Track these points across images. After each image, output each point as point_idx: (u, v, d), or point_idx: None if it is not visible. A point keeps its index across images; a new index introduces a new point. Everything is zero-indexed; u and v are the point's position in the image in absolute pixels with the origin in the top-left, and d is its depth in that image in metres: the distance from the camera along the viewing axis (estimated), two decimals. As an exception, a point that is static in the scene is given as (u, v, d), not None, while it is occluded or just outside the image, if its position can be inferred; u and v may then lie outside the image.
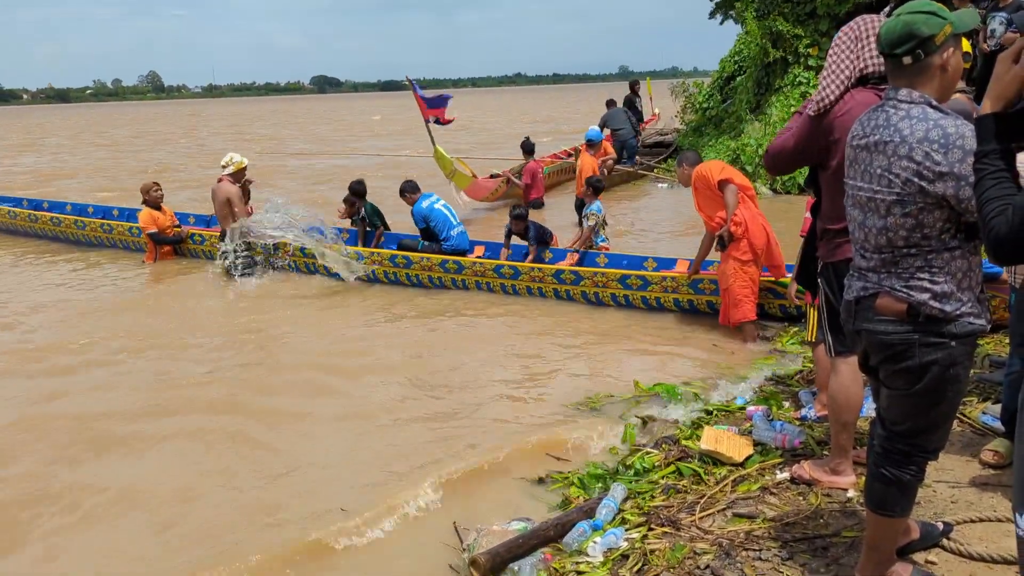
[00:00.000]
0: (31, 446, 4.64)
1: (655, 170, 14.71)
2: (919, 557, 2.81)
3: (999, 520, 2.99)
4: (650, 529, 3.25)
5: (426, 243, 8.16)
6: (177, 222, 9.67)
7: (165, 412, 5.08)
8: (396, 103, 69.06)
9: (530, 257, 7.88)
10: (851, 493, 3.34)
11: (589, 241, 7.91)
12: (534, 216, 8.43)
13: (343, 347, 6.26)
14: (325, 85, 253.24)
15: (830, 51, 3.20)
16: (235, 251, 8.33)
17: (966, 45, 3.79)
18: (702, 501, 3.45)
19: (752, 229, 5.79)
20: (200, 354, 6.24)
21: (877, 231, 2.33)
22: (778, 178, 11.91)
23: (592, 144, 11.01)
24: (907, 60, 2.29)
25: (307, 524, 3.68)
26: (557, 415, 4.82)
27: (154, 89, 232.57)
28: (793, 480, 3.53)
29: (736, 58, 16.77)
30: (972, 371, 3.01)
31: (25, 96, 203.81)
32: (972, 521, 3.01)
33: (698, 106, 16.97)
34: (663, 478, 3.75)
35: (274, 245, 8.46)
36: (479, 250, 8.51)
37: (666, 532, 3.22)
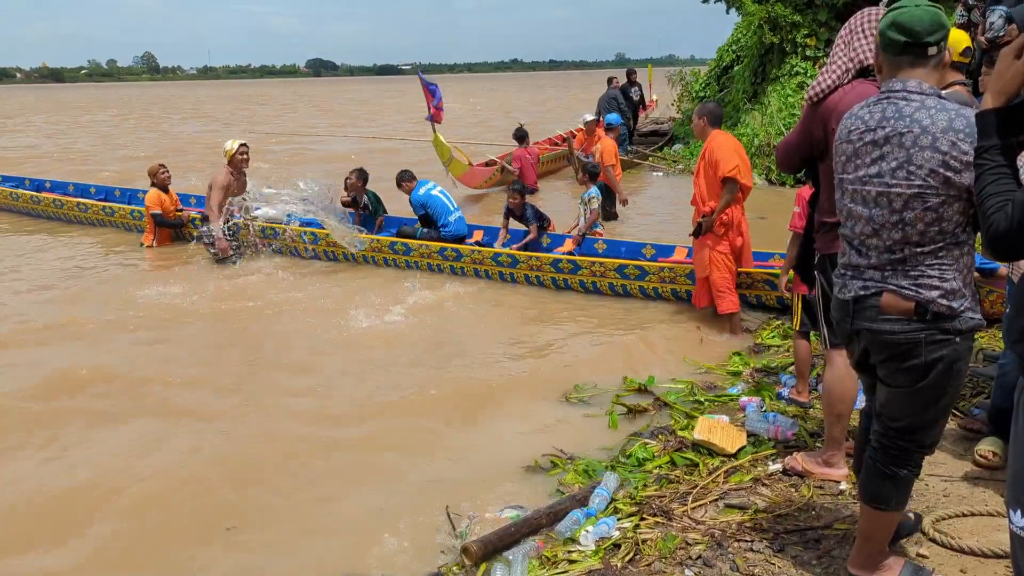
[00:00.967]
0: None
1: (649, 159, 14.69)
2: (911, 550, 2.83)
3: (991, 515, 3.01)
4: (642, 519, 3.26)
5: (425, 230, 8.17)
6: (180, 205, 9.66)
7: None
8: (394, 87, 68.60)
9: (530, 236, 7.90)
10: (844, 486, 3.36)
11: (591, 222, 7.88)
12: (529, 201, 8.42)
13: (334, 331, 6.24)
14: (321, 68, 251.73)
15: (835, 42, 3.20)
16: (211, 233, 8.29)
17: (965, 39, 3.77)
18: (694, 491, 3.46)
19: (732, 232, 5.79)
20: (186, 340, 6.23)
21: (891, 226, 2.27)
22: (773, 168, 11.89)
23: (611, 127, 10.94)
24: (933, 51, 2.26)
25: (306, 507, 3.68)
26: (550, 404, 4.81)
27: (149, 70, 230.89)
28: (786, 472, 3.55)
29: (734, 47, 16.72)
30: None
31: (19, 75, 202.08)
32: (964, 515, 3.02)
33: (695, 95, 16.93)
34: (656, 468, 3.76)
35: (273, 230, 8.46)
36: (478, 235, 8.54)
37: (658, 522, 3.23)
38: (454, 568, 3.12)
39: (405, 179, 8.42)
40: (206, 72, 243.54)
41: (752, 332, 5.91)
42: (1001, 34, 4.32)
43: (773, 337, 5.69)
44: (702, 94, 16.51)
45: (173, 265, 8.47)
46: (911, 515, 2.90)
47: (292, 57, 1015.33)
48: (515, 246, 7.82)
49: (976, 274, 3.21)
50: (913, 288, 2.26)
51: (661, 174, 13.96)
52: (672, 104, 19.08)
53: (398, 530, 3.43)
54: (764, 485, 3.47)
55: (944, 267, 2.25)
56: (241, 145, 8.60)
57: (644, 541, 3.08)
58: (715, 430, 3.92)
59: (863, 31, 3.07)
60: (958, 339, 2.28)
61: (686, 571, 2.85)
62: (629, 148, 14.85)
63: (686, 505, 3.34)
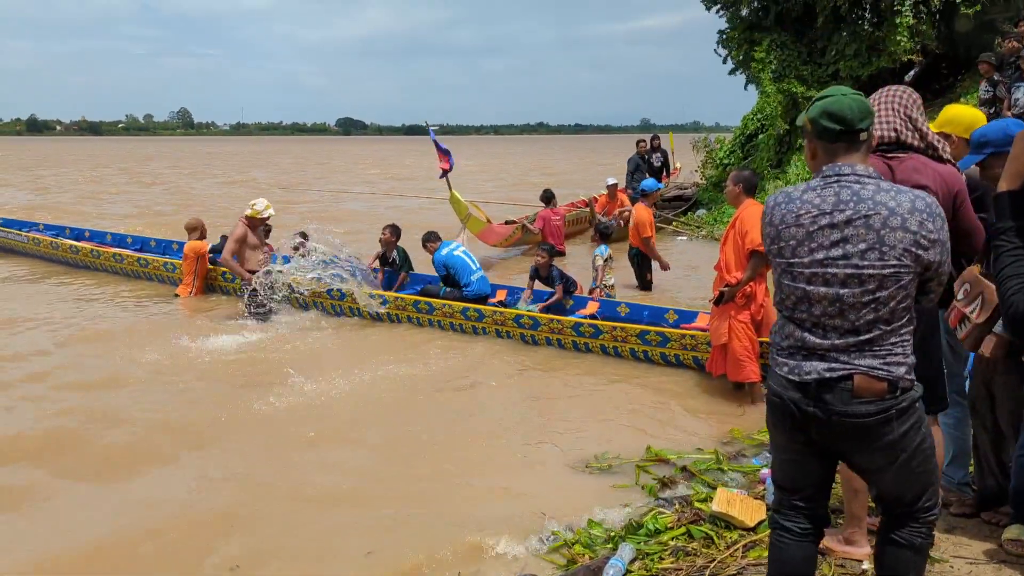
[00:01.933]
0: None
1: (673, 223, 14.76)
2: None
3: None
4: (659, 592, 3.20)
5: (447, 289, 8.28)
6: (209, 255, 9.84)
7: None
8: (421, 148, 69.88)
9: (556, 297, 8.00)
10: (866, 565, 3.28)
11: (601, 278, 8.40)
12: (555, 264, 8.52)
13: (352, 392, 6.25)
14: (350, 127, 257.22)
15: None
16: (255, 291, 8.38)
17: (981, 117, 3.80)
18: (712, 565, 3.40)
19: (753, 304, 5.84)
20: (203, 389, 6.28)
21: (861, 306, 2.26)
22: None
23: (646, 193, 10.62)
24: (864, 136, 2.34)
25: None
26: (565, 474, 4.77)
27: (184, 125, 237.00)
28: (806, 548, 3.47)
29: (758, 116, 16.92)
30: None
31: (59, 127, 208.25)
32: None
33: (719, 161, 17.07)
34: (672, 540, 3.70)
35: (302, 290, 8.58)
36: (501, 294, 8.63)
37: (675, 596, 3.16)
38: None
39: (430, 240, 8.62)
40: (239, 128, 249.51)
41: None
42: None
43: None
44: (726, 161, 16.65)
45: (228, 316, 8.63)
46: None
47: (322, 115, 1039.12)
48: (539, 306, 7.89)
49: None
50: (884, 368, 2.27)
51: (685, 238, 14.02)
52: (696, 170, 19.25)
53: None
54: (783, 561, 3.40)
55: (905, 343, 2.29)
56: (268, 214, 8.82)
57: (660, 616, 3.02)
58: (734, 502, 3.87)
59: (889, 108, 3.14)
60: (918, 404, 2.33)
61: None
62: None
63: (704, 579, 3.28)
